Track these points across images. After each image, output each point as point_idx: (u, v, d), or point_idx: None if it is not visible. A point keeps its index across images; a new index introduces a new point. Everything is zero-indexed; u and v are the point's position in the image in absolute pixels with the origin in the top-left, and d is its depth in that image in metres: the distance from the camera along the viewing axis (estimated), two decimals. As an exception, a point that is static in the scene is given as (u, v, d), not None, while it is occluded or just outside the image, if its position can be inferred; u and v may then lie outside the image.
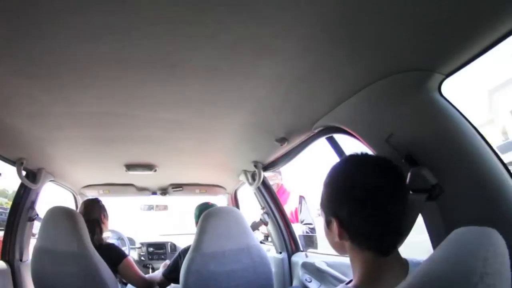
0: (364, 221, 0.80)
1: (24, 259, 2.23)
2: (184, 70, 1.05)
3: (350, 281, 0.88)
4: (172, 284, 3.10)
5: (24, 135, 1.60)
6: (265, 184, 2.42)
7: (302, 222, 2.91)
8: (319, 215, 0.97)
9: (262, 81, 1.13)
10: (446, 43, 0.81)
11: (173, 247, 3.62)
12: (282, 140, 1.63)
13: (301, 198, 3.06)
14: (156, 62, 1.01)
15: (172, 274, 2.21)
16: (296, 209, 3.02)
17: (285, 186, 3.22)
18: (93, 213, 2.23)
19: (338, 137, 1.50)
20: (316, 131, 1.48)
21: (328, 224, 0.88)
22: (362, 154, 0.90)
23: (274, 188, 2.91)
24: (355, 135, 1.21)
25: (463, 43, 0.80)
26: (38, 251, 1.95)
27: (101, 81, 1.13)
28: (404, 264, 0.83)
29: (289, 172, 3.51)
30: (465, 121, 0.91)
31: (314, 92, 1.18)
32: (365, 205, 0.79)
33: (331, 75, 1.06)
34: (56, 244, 1.89)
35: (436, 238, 0.96)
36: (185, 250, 2.14)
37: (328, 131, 1.42)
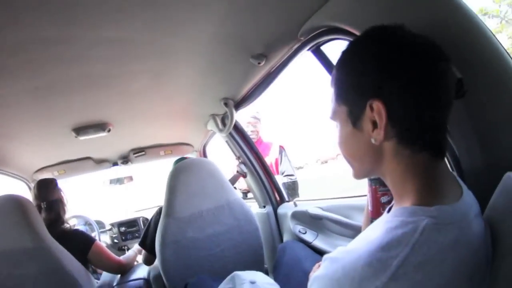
0: (425, 97, 0.60)
1: None
2: None
3: (390, 207, 0.72)
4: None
5: None
6: (237, 128, 2.24)
7: (283, 173, 2.82)
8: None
9: None
10: None
11: (146, 221, 3.44)
12: (260, 57, 1.40)
13: (281, 148, 3.00)
14: None
15: (150, 243, 2.01)
16: (277, 160, 2.95)
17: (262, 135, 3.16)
18: (50, 194, 2.00)
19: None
20: (302, 38, 1.27)
21: (356, 120, 0.66)
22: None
23: (253, 139, 2.81)
24: (354, 32, 1.02)
25: None
26: None
27: None
28: (457, 182, 0.68)
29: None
30: (473, 12, 0.80)
31: None
32: (424, 73, 0.60)
33: None
34: (7, 242, 1.58)
35: (461, 140, 0.85)
36: (158, 213, 2.00)
37: (317, 37, 1.22)
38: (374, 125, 0.62)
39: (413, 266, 0.52)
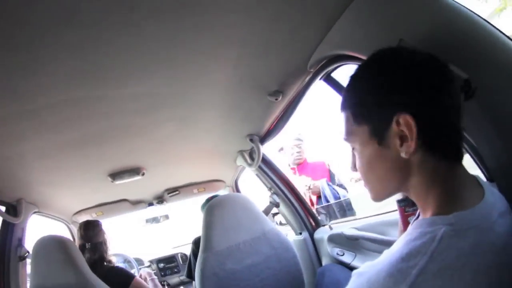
0: (446, 113, 0.63)
1: None
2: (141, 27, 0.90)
3: (417, 217, 0.74)
4: None
5: None
6: (266, 161, 2.28)
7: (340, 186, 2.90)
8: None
9: (238, 18, 0.98)
10: None
11: (184, 257, 3.49)
12: (276, 94, 1.47)
13: (328, 166, 3.08)
14: (110, 13, 0.84)
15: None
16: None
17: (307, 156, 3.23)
18: (96, 236, 2.11)
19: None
20: (312, 70, 1.33)
21: (382, 138, 0.66)
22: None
23: (299, 160, 3.10)
24: (359, 56, 1.06)
25: None
26: None
27: (49, 59, 0.95)
28: (478, 184, 0.67)
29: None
30: (474, 14, 0.81)
31: (301, 19, 1.04)
32: (443, 89, 0.63)
33: None
34: (51, 279, 1.71)
35: (481, 138, 0.83)
36: (194, 243, 1.98)
37: (326, 66, 1.27)
38: (401, 139, 0.62)
39: (432, 274, 0.53)
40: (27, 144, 1.46)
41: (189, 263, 2.21)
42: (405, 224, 0.94)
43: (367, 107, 0.67)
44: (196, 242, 1.96)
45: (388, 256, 0.58)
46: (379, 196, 0.73)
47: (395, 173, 0.67)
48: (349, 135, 0.72)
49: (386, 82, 0.64)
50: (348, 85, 0.72)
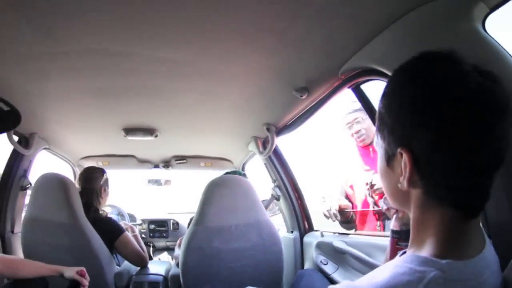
0: (457, 158, 0.54)
1: (16, 230, 2.19)
2: None
3: (404, 252, 0.69)
4: (172, 262, 3.02)
5: (13, 88, 1.48)
6: (277, 153, 2.28)
7: None
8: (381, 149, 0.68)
9: (281, 9, 0.97)
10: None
11: (176, 225, 3.58)
12: (302, 91, 1.46)
13: None
14: None
15: None
16: None
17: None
18: (94, 182, 2.15)
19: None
20: (342, 77, 1.32)
21: (389, 159, 0.63)
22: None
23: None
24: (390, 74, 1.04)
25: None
26: (27, 220, 1.91)
27: (88, 7, 0.97)
28: (482, 236, 0.62)
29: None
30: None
31: (343, 25, 1.04)
32: (462, 128, 0.53)
33: (364, 2, 0.92)
34: (47, 213, 1.83)
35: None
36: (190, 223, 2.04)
37: (357, 76, 1.27)
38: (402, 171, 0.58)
39: None
40: (51, 84, 1.51)
41: None
42: (393, 255, 0.92)
43: (384, 127, 0.63)
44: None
45: (370, 282, 0.55)
46: (393, 205, 0.70)
47: (396, 196, 0.65)
48: (375, 143, 0.69)
49: (398, 109, 0.59)
50: (381, 95, 0.66)
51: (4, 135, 1.85)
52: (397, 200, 0.66)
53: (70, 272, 1.52)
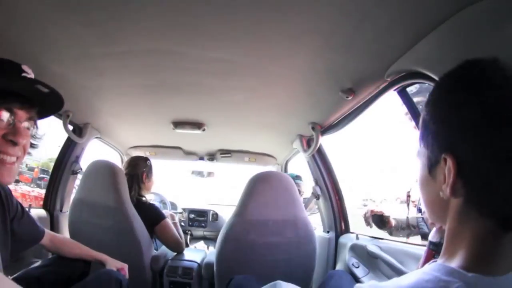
0: (501, 164, 0.52)
1: (64, 210, 2.38)
2: None
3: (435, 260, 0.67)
4: (211, 248, 3.11)
5: (70, 83, 1.62)
6: (321, 152, 2.30)
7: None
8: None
9: (328, 10, 0.99)
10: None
11: (215, 216, 3.66)
12: (348, 92, 1.47)
13: None
14: None
15: None
16: None
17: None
18: (137, 168, 2.29)
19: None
20: (388, 79, 1.31)
21: (432, 167, 0.61)
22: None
23: None
24: (436, 79, 1.02)
25: None
26: (76, 202, 2.07)
27: (144, 12, 1.07)
28: None
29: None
30: None
31: (389, 26, 1.03)
32: (508, 134, 0.52)
33: (410, 4, 0.92)
34: (94, 196, 1.99)
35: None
36: None
37: (403, 79, 1.25)
38: (445, 179, 0.57)
39: None
40: (107, 80, 1.64)
41: None
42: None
43: (427, 134, 0.62)
44: None
45: (395, 284, 0.56)
46: (429, 217, 0.69)
47: (435, 207, 0.64)
48: (417, 152, 0.68)
49: (444, 115, 0.59)
50: (426, 100, 0.66)
51: (60, 124, 2.01)
52: (435, 210, 0.65)
53: (112, 265, 1.57)
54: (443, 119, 0.59)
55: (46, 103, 1.04)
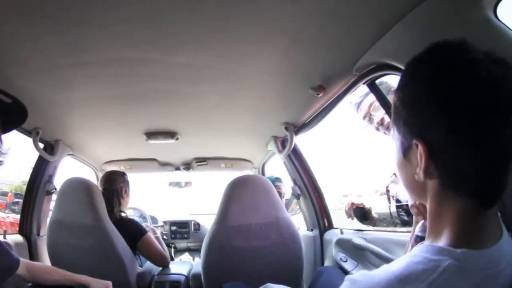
0: (471, 146, 0.54)
1: (41, 233, 2.28)
2: (203, 2, 0.96)
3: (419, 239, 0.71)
4: (197, 259, 3.06)
5: (37, 98, 1.57)
6: (296, 152, 2.31)
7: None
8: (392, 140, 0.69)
9: (294, 9, 1.01)
10: None
11: (197, 226, 3.62)
12: (318, 89, 1.48)
13: None
14: None
15: None
16: None
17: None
18: (114, 184, 2.23)
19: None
20: (357, 74, 1.33)
21: (406, 151, 0.63)
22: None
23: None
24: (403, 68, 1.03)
25: None
26: (53, 223, 1.98)
27: (110, 19, 1.04)
28: (499, 226, 0.62)
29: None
30: None
31: (355, 21, 1.06)
32: (475, 116, 0.52)
33: None
34: (71, 216, 1.91)
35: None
36: None
37: (371, 72, 1.27)
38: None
39: None
40: (76, 92, 1.59)
41: None
42: None
43: (398, 119, 0.64)
44: None
45: (386, 272, 0.55)
46: (411, 198, 0.72)
47: (414, 189, 0.65)
48: (391, 135, 0.69)
49: (413, 99, 0.60)
50: (396, 87, 0.66)
51: (30, 142, 1.93)
52: (414, 192, 0.66)
53: (95, 286, 1.54)
54: (412, 104, 0.60)
55: (8, 115, 0.99)
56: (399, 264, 0.56)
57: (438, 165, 0.57)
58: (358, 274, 0.60)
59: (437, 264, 0.52)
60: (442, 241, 0.57)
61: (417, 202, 0.85)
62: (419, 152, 0.57)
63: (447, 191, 0.58)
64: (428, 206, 0.63)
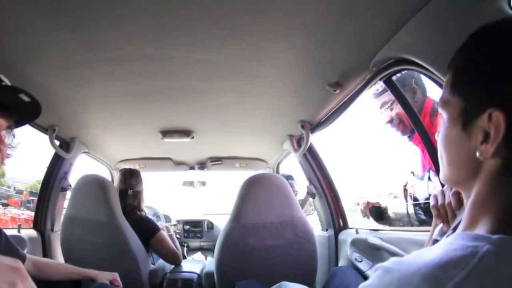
0: None
1: (55, 229, 2.33)
2: None
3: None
4: (209, 258, 3.08)
5: (54, 95, 1.61)
6: (312, 150, 2.31)
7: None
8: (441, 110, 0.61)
9: (311, 6, 1.02)
10: None
11: (210, 225, 3.63)
12: (335, 86, 1.49)
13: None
14: None
15: None
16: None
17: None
18: (138, 184, 2.29)
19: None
20: (374, 69, 1.34)
21: (467, 123, 0.55)
22: None
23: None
24: (423, 64, 1.06)
25: None
26: (67, 219, 2.03)
27: (129, 15, 1.07)
28: None
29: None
30: None
31: (371, 16, 1.07)
32: None
33: None
34: (86, 212, 1.95)
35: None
36: None
37: (388, 67, 1.28)
38: (485, 137, 0.51)
39: None
40: (92, 90, 1.63)
41: None
42: None
43: (467, 80, 0.55)
44: None
45: (422, 258, 0.51)
46: (445, 179, 0.64)
47: (465, 168, 0.58)
48: (443, 102, 0.61)
49: (496, 61, 0.51)
50: (466, 41, 0.58)
51: (47, 139, 1.99)
52: (463, 171, 0.58)
53: (102, 278, 1.56)
54: (490, 67, 0.51)
55: (24, 111, 1.03)
56: (436, 251, 0.52)
57: (509, 144, 0.50)
58: (390, 261, 0.55)
59: (475, 249, 0.48)
60: (478, 230, 0.53)
61: (439, 203, 0.83)
62: (496, 123, 0.49)
63: (505, 176, 0.52)
64: (475, 189, 0.56)
